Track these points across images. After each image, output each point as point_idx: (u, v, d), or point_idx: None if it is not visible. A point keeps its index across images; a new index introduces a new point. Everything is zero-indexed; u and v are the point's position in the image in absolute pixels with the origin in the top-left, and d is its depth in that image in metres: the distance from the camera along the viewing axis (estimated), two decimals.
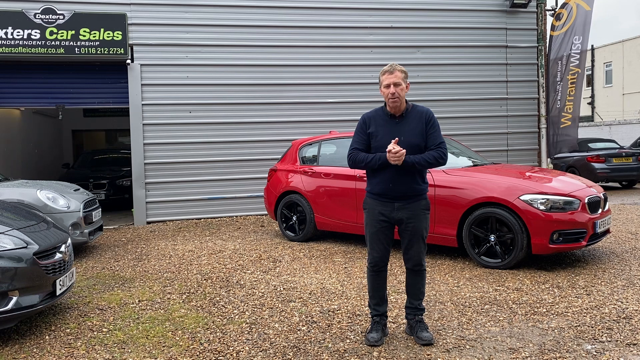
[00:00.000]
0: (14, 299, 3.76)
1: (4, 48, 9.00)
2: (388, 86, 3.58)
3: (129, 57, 9.57)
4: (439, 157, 3.57)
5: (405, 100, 3.66)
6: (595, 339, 3.62)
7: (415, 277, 3.74)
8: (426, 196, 3.69)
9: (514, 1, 11.07)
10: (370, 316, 3.84)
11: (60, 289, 4.13)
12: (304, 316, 4.25)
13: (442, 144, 3.61)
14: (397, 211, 3.62)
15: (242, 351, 3.59)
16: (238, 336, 3.86)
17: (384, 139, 3.57)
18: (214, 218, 9.95)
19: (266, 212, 9.31)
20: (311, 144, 7.75)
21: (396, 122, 3.64)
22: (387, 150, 3.48)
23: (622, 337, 3.65)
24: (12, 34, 9.02)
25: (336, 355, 3.47)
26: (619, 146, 14.95)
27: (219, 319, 4.25)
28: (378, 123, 3.67)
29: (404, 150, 3.46)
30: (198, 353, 3.57)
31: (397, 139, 3.49)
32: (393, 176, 3.57)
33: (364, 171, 3.88)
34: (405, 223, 3.62)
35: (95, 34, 9.30)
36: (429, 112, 3.69)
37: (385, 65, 3.70)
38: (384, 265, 3.74)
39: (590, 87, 34.52)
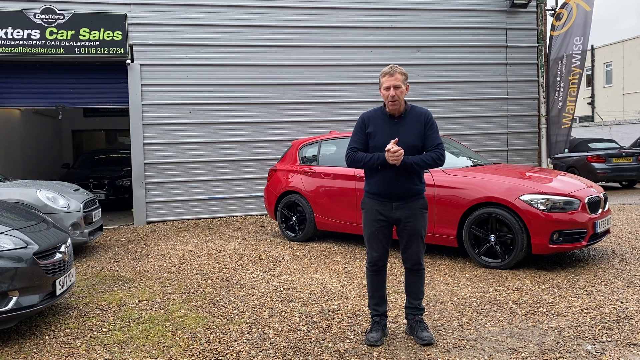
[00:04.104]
0: (14, 299, 3.76)
1: (4, 48, 9.00)
2: (388, 89, 3.59)
3: (129, 57, 9.57)
4: (436, 158, 3.59)
5: (405, 100, 3.67)
6: (595, 339, 3.62)
7: (414, 277, 3.74)
8: (424, 196, 3.71)
9: (514, 1, 11.08)
10: (370, 316, 3.84)
11: (60, 289, 4.13)
12: (304, 316, 4.25)
13: (440, 145, 3.62)
14: (395, 211, 3.62)
15: (242, 351, 3.59)
16: (238, 336, 3.86)
17: (382, 139, 3.58)
18: (214, 218, 9.95)
19: (266, 212, 9.31)
20: (311, 144, 7.75)
21: (395, 123, 3.65)
22: (386, 149, 3.49)
23: (622, 337, 3.65)
24: (12, 34, 9.02)
25: (336, 355, 3.47)
26: (619, 146, 14.94)
27: (219, 319, 4.25)
28: (377, 123, 3.68)
29: (402, 150, 3.47)
30: (198, 353, 3.57)
31: (396, 139, 3.50)
32: (391, 176, 3.58)
33: (364, 171, 3.89)
34: (403, 223, 3.63)
35: (95, 34, 9.30)
36: (428, 113, 3.70)
37: (386, 65, 3.70)
38: (383, 265, 3.74)
39: (590, 87, 34.51)
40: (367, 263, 3.77)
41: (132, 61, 9.64)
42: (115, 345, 3.76)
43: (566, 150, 11.70)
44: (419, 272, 3.73)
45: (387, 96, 3.59)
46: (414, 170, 3.59)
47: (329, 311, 4.36)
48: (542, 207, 5.34)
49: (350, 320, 4.12)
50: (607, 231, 5.93)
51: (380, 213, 3.65)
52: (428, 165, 3.59)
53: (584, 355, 3.38)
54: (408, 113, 3.67)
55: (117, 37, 9.41)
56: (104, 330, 4.08)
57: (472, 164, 6.66)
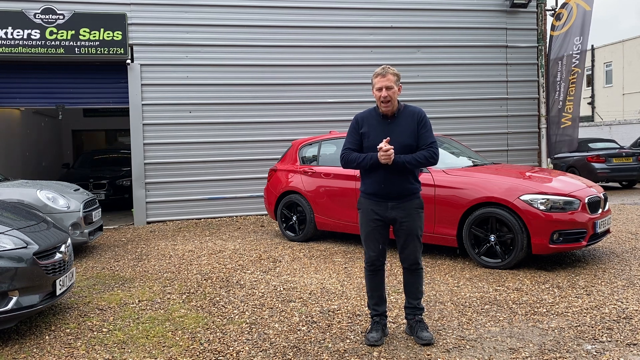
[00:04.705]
0: (14, 299, 3.76)
1: (4, 48, 9.00)
2: (380, 89, 3.60)
3: (129, 57, 9.57)
4: (429, 157, 3.58)
5: (398, 100, 3.68)
6: (595, 339, 3.62)
7: (412, 276, 3.75)
8: (419, 195, 3.71)
9: (514, 1, 11.08)
10: (370, 316, 3.84)
11: (60, 289, 4.13)
12: (304, 316, 4.25)
13: (433, 143, 3.62)
14: (391, 210, 3.63)
15: (242, 351, 3.59)
16: (238, 336, 3.86)
17: (376, 139, 3.58)
18: (214, 218, 9.95)
19: (266, 212, 9.31)
20: (311, 144, 7.75)
21: (388, 123, 3.66)
22: (377, 148, 3.50)
23: (622, 337, 3.65)
24: (12, 34, 9.02)
25: (336, 355, 3.47)
26: (619, 146, 14.94)
27: (219, 319, 4.25)
28: (370, 123, 3.69)
29: (393, 149, 3.47)
30: (198, 353, 3.57)
31: (388, 138, 3.51)
32: (385, 176, 3.59)
33: (359, 171, 3.90)
34: (399, 222, 3.64)
35: (95, 34, 9.30)
36: (421, 112, 3.70)
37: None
38: (381, 265, 3.75)
39: (590, 87, 34.51)
40: (365, 263, 3.78)
41: (132, 61, 9.64)
42: (115, 345, 3.76)
43: (566, 150, 11.68)
44: (417, 272, 3.73)
45: (380, 97, 3.61)
46: (407, 169, 3.59)
47: (329, 311, 4.36)
48: (542, 207, 5.34)
49: (350, 320, 4.13)
50: (607, 231, 5.93)
51: (376, 213, 3.65)
52: (420, 164, 3.59)
53: (584, 355, 3.38)
54: (401, 113, 3.68)
55: (117, 37, 9.41)
56: (104, 330, 4.08)
57: (472, 164, 6.66)
